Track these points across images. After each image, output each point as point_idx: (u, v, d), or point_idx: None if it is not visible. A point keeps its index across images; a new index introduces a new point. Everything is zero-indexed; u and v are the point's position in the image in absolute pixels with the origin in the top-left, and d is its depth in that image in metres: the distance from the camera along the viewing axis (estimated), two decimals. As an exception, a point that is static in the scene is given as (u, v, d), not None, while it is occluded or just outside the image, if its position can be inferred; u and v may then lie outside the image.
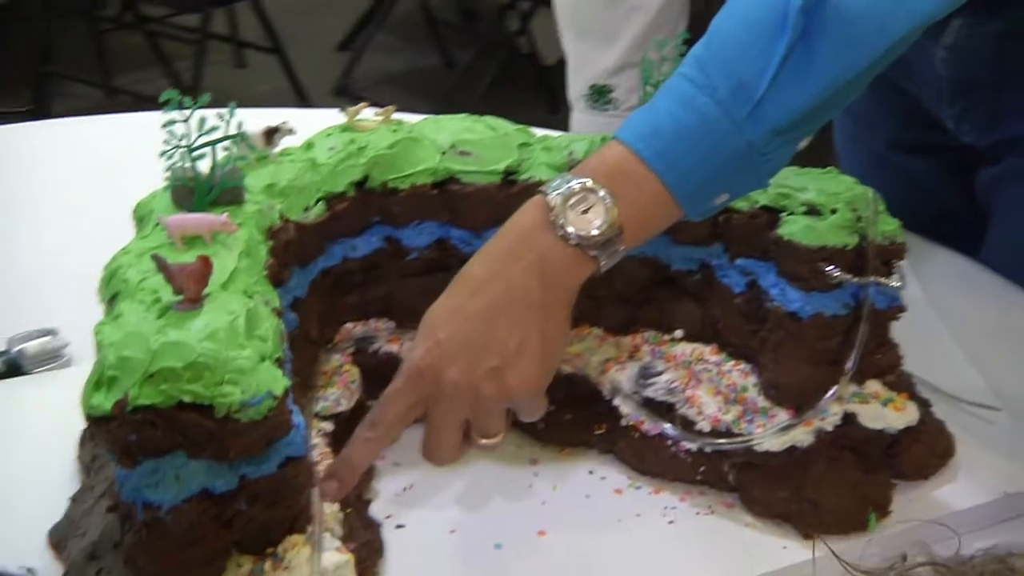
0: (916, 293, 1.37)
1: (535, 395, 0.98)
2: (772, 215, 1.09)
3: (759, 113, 0.94)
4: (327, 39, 4.36)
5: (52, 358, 1.23)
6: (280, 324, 0.93)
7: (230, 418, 0.85)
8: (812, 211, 1.08)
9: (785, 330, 1.08)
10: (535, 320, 0.96)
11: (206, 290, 0.90)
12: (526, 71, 3.85)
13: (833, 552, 0.88)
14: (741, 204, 1.10)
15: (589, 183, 0.95)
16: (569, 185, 0.95)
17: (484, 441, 0.99)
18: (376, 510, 1.08)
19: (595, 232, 0.95)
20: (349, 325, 1.16)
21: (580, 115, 1.56)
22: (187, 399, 0.84)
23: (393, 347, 1.16)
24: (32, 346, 1.23)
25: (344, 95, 3.85)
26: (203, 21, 3.61)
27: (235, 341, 0.87)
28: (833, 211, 1.07)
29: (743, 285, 1.11)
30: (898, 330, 1.13)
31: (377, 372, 1.15)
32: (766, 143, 0.95)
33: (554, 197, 0.96)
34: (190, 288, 0.89)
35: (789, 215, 1.08)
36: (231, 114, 0.98)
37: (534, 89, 3.77)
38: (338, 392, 1.10)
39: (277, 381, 0.87)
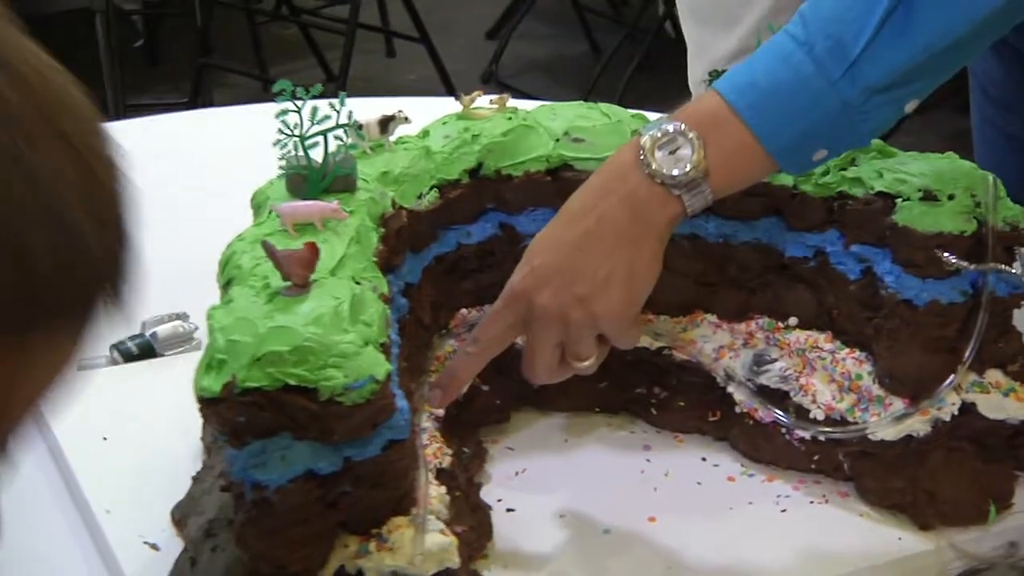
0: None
1: (622, 324, 1.02)
2: (888, 201, 1.07)
3: (855, 72, 0.96)
4: (476, 28, 4.39)
5: (183, 341, 1.26)
6: (386, 310, 0.95)
7: (333, 401, 0.87)
8: (928, 196, 1.06)
9: (900, 318, 1.06)
10: (624, 252, 1.00)
11: (313, 276, 0.92)
12: (671, 57, 3.83)
13: (953, 544, 0.87)
14: (856, 190, 1.09)
15: (681, 127, 0.99)
16: (662, 127, 0.99)
17: (577, 364, 1.03)
18: (487, 493, 1.10)
19: (678, 172, 0.98)
20: (464, 311, 1.18)
21: (699, 100, 1.55)
22: (292, 382, 0.87)
23: (508, 332, 1.17)
24: (164, 329, 1.27)
25: (490, 83, 3.88)
26: (353, 12, 3.67)
27: (339, 326, 0.89)
28: (950, 197, 1.05)
29: (858, 272, 1.10)
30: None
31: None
32: (863, 102, 0.97)
33: (646, 138, 0.99)
34: (297, 274, 0.91)
35: (905, 201, 1.06)
36: (342, 103, 1.00)
37: (680, 74, 3.74)
38: (450, 377, 1.11)
39: (380, 366, 0.88)
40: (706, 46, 1.51)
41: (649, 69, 3.75)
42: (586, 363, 1.03)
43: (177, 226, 1.41)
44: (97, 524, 1.06)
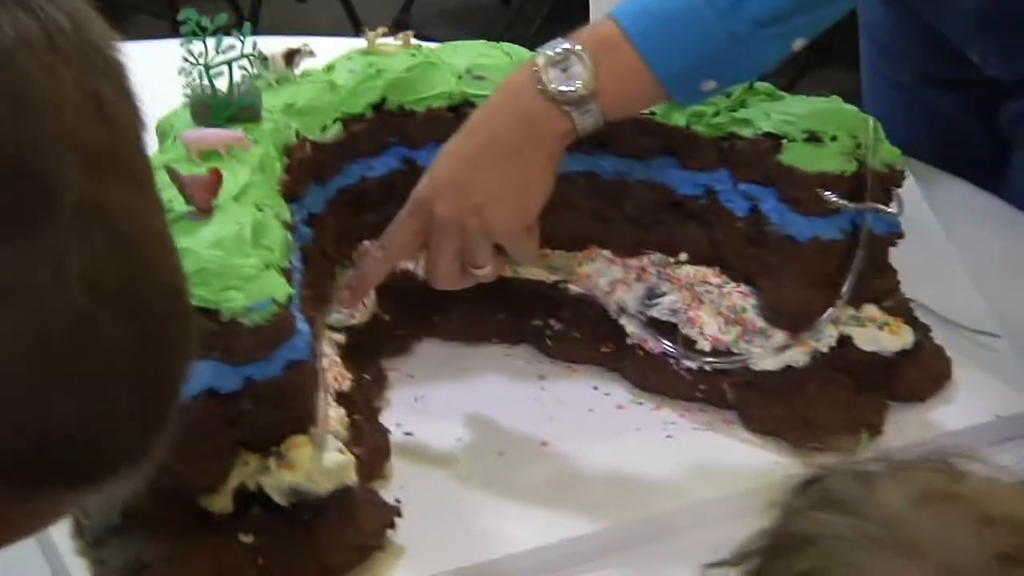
0: (930, 223, 1.39)
1: (514, 233, 1.07)
2: (775, 141, 1.11)
3: (742, 4, 1.01)
4: (388, -25, 4.39)
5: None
6: (288, 236, 0.98)
7: (235, 322, 0.90)
8: (813, 138, 1.10)
9: (784, 253, 1.11)
10: (515, 165, 1.05)
11: (216, 201, 0.95)
12: (580, 9, 3.86)
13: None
14: (745, 131, 1.13)
15: (574, 47, 1.04)
16: (557, 47, 1.04)
17: (475, 271, 1.09)
18: (386, 418, 1.13)
19: (568, 89, 1.03)
20: (367, 243, 1.20)
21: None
22: (194, 303, 0.89)
23: (409, 265, 1.20)
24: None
25: (400, 30, 3.88)
26: (264, -46, 3.66)
27: (241, 250, 0.92)
28: (833, 138, 1.10)
29: (746, 210, 1.14)
30: (906, 257, 1.16)
31: (392, 288, 1.20)
32: (749, 34, 1.02)
33: (541, 57, 1.04)
34: (200, 198, 0.93)
35: (791, 141, 1.11)
36: (246, 34, 1.02)
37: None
38: (351, 306, 1.14)
39: (280, 288, 0.92)
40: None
41: (558, 19, 3.77)
42: (483, 271, 1.09)
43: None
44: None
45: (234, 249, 0.91)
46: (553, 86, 1.03)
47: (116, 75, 0.54)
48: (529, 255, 1.12)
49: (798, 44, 1.06)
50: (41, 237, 0.48)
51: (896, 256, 1.16)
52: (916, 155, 1.43)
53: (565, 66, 1.03)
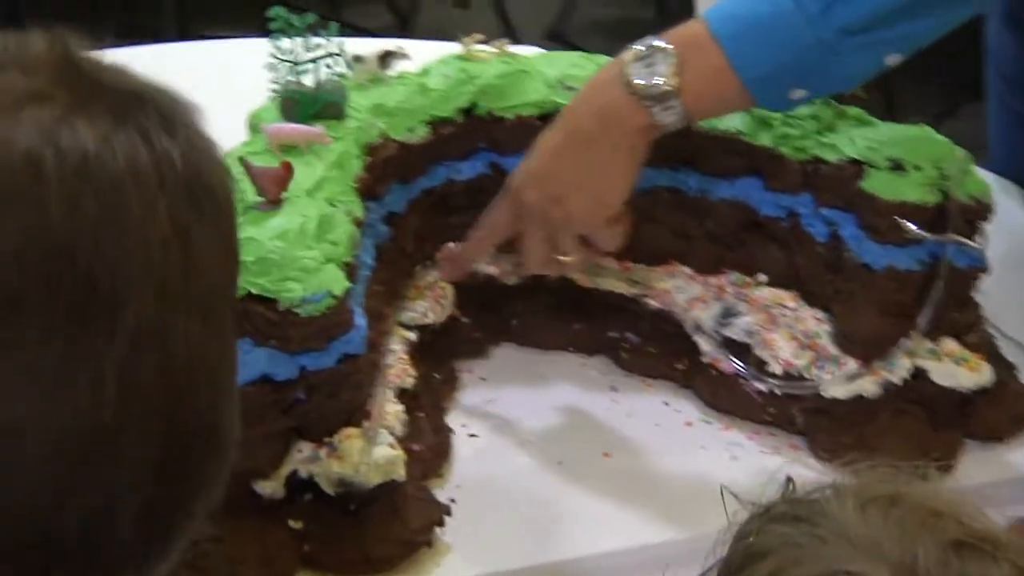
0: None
1: (595, 224, 1.10)
2: (859, 167, 1.10)
3: (832, 10, 1.00)
4: (549, -16, 4.42)
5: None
6: (356, 232, 1.00)
7: (291, 312, 0.92)
8: (896, 166, 1.09)
9: (859, 280, 1.09)
10: (594, 157, 1.07)
11: (287, 194, 0.97)
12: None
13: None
14: (830, 155, 1.12)
15: (661, 44, 1.04)
16: (645, 43, 1.05)
17: (562, 259, 1.11)
18: (454, 419, 1.15)
19: (649, 83, 1.03)
20: (451, 244, 1.22)
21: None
22: (255, 291, 0.92)
23: (492, 269, 1.22)
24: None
25: (556, 40, 3.90)
26: (424, -41, 3.72)
27: (303, 242, 0.94)
28: (917, 167, 1.08)
29: (826, 235, 1.13)
30: (1005, 293, 1.14)
31: (473, 291, 1.21)
32: (838, 42, 1.00)
33: (629, 53, 1.05)
34: (270, 190, 0.96)
35: (874, 169, 1.09)
36: (333, 33, 1.05)
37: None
38: (427, 305, 1.16)
39: (338, 282, 0.94)
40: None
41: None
42: (569, 259, 1.11)
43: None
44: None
45: (297, 241, 0.94)
46: (636, 80, 1.04)
47: (214, 215, 0.58)
48: (615, 244, 1.13)
49: (892, 60, 1.04)
50: (90, 342, 0.52)
51: (996, 288, 1.13)
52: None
53: (650, 62, 1.04)
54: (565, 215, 1.08)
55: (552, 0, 4.22)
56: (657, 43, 1.04)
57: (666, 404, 1.19)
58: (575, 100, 1.10)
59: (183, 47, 1.88)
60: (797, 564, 0.61)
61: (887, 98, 3.20)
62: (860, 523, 0.61)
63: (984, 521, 0.62)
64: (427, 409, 1.11)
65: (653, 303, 1.21)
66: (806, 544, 0.62)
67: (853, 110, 1.15)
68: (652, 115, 1.04)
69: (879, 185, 1.08)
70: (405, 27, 3.64)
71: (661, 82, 1.03)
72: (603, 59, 1.23)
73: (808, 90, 1.05)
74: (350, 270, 0.97)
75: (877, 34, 1.02)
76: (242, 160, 0.97)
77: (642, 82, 1.03)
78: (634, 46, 1.05)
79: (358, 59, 1.15)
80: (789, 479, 0.67)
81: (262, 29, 1.09)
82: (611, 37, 4.09)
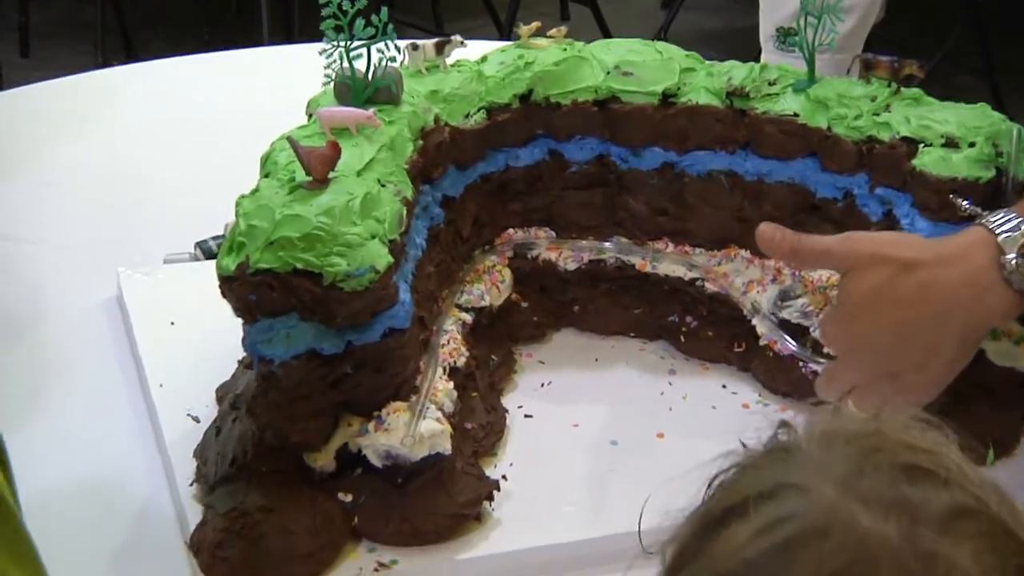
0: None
1: (921, 402, 1.00)
2: (912, 146, 1.10)
3: None
4: (654, -3, 4.43)
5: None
6: (403, 211, 1.02)
7: (335, 286, 0.94)
8: (950, 143, 1.08)
9: (912, 259, 1.08)
10: (950, 343, 1.00)
11: (334, 174, 1.00)
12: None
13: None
14: (884, 134, 1.11)
15: None
16: (1022, 231, 0.98)
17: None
18: (510, 400, 1.16)
19: None
20: (511, 231, 1.24)
21: (767, 55, 1.58)
22: (300, 266, 0.95)
23: (551, 255, 1.23)
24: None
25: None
26: (527, -28, 3.75)
27: (349, 219, 0.96)
28: (971, 144, 1.07)
29: (880, 214, 1.12)
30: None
31: (532, 275, 1.23)
32: None
33: (1006, 240, 0.98)
34: (317, 169, 0.99)
35: (927, 146, 1.08)
36: (383, 19, 1.07)
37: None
38: (483, 288, 1.18)
39: (382, 257, 0.96)
40: (775, 4, 1.54)
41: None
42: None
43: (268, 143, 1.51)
44: (151, 396, 1.16)
45: (342, 218, 0.96)
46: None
47: None
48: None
49: None
50: None
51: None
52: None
53: None
54: (897, 388, 1.00)
55: (658, 14, 4.24)
56: None
57: (724, 387, 1.19)
58: (939, 269, 0.99)
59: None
60: (750, 482, 0.63)
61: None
62: (819, 450, 0.63)
63: (952, 455, 0.62)
64: (482, 389, 1.12)
65: (711, 287, 1.21)
66: (765, 466, 0.64)
67: (911, 90, 1.14)
68: None
69: (931, 162, 1.07)
70: (505, 39, 3.67)
71: None
72: (660, 45, 1.24)
73: None
74: (395, 247, 0.99)
75: None
76: (289, 139, 1.00)
77: None
78: (1005, 229, 0.98)
79: (415, 47, 1.17)
80: (783, 422, 0.67)
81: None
82: (714, 47, 4.09)
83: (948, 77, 3.50)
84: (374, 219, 0.98)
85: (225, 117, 1.66)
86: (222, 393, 1.13)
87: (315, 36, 1.14)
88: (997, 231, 0.99)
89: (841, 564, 0.57)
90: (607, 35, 3.91)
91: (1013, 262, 0.97)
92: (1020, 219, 0.98)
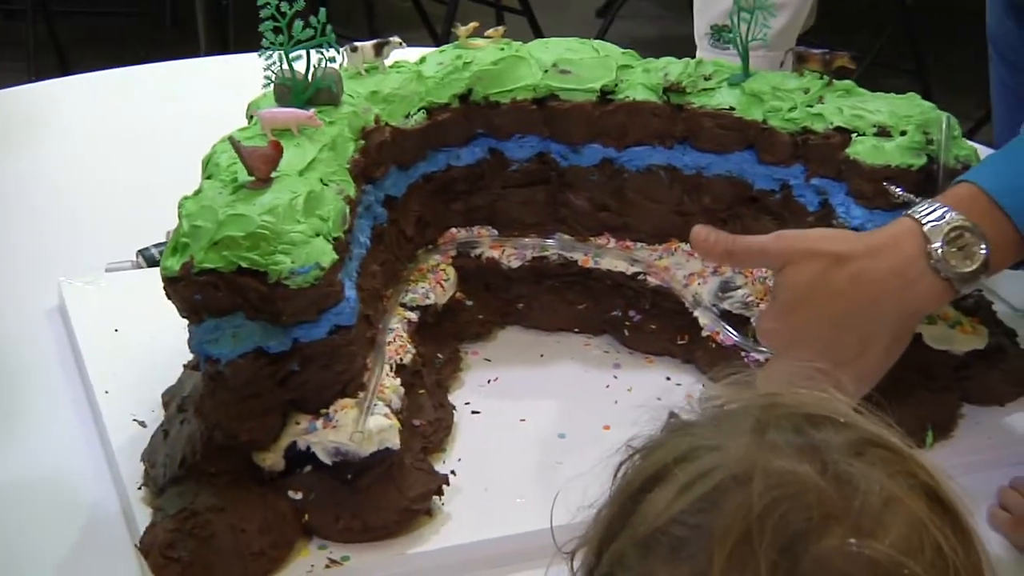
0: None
1: (857, 395, 1.01)
2: (846, 136, 1.12)
3: None
4: (589, 5, 4.45)
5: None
6: (346, 209, 1.03)
7: (281, 284, 0.95)
8: (882, 132, 1.10)
9: (849, 247, 1.10)
10: (882, 333, 1.01)
11: (277, 173, 1.00)
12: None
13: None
14: (818, 125, 1.13)
15: (967, 223, 0.99)
16: (945, 221, 0.99)
17: None
18: (457, 397, 1.17)
19: (968, 270, 0.99)
20: (454, 230, 1.25)
21: (702, 53, 1.60)
22: (245, 265, 0.95)
23: (494, 253, 1.24)
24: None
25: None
26: (460, -18, 3.77)
27: (292, 217, 0.97)
28: (902, 133, 1.09)
29: (817, 204, 1.14)
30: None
31: (476, 274, 1.24)
32: None
33: (932, 229, 0.99)
34: (259, 169, 0.99)
35: (860, 135, 1.11)
36: (321, 20, 1.08)
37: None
38: (428, 287, 1.18)
39: (326, 254, 0.96)
40: (709, 1, 1.56)
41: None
42: None
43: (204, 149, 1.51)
44: (96, 402, 1.15)
45: (286, 216, 0.97)
46: (953, 267, 0.98)
47: None
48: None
49: None
50: None
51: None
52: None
53: (962, 243, 0.99)
54: (833, 384, 1.01)
55: (594, 22, 4.26)
56: (960, 220, 0.99)
57: (668, 379, 1.21)
58: (869, 260, 1.00)
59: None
60: (664, 452, 0.66)
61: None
62: (721, 416, 0.68)
63: (840, 404, 0.67)
64: (429, 387, 1.13)
65: (653, 280, 1.22)
66: (671, 440, 0.68)
67: (843, 82, 1.17)
68: (957, 292, 1.00)
69: (865, 151, 1.09)
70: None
71: (978, 266, 0.99)
72: (597, 43, 1.26)
73: None
74: (339, 245, 0.99)
75: None
76: (231, 140, 1.00)
77: (960, 269, 0.98)
78: (929, 219, 0.99)
79: (354, 48, 1.18)
80: (672, 413, 0.72)
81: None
82: (651, 54, 4.12)
83: (879, 80, 3.55)
84: (318, 217, 0.99)
85: (163, 126, 1.65)
86: (168, 397, 1.13)
87: (252, 47, 1.14)
88: (923, 221, 1.00)
89: (766, 504, 0.60)
90: (543, 44, 3.94)
91: (939, 251, 0.99)
92: (945, 208, 1.00)
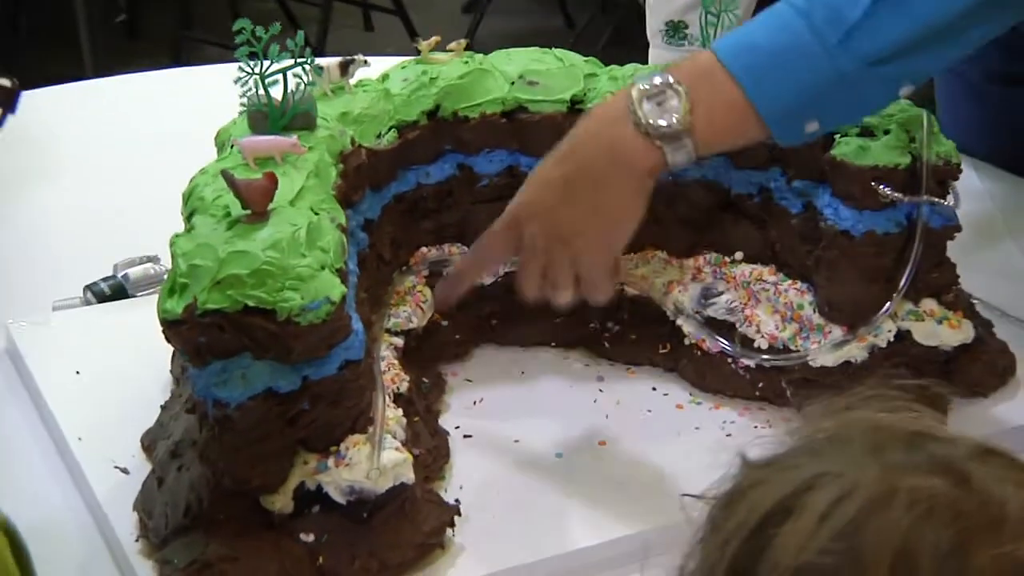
0: (994, 220, 1.39)
1: (598, 270, 1.06)
2: (827, 137, 1.11)
3: (851, 41, 0.98)
4: (454, 2, 4.43)
5: (154, 283, 1.30)
6: (343, 238, 0.99)
7: (291, 321, 0.91)
8: (865, 132, 1.10)
9: (838, 248, 1.11)
10: (604, 199, 1.03)
11: (272, 205, 0.96)
12: (643, 29, 3.87)
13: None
14: (797, 127, 1.13)
15: (670, 80, 1.01)
16: (653, 79, 1.01)
17: (553, 291, 1.07)
18: (446, 421, 1.14)
19: (662, 123, 1.00)
20: (424, 249, 1.22)
21: (656, 51, 1.59)
22: (251, 303, 0.91)
23: (466, 271, 1.21)
24: (136, 271, 1.30)
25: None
26: (330, -15, 3.72)
27: (296, 251, 0.93)
28: (886, 132, 1.10)
29: (800, 206, 1.14)
30: (968, 255, 1.16)
31: (451, 294, 1.21)
32: (858, 73, 0.98)
33: (636, 89, 1.01)
34: (256, 202, 0.95)
35: (843, 136, 1.11)
36: (298, 43, 1.04)
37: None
38: (410, 310, 1.15)
39: (335, 288, 0.93)
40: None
41: (622, 43, 3.79)
42: (561, 294, 1.07)
43: (149, 174, 1.45)
44: (70, 451, 1.10)
45: (290, 250, 0.93)
46: (648, 120, 1.00)
47: None
48: (605, 296, 1.08)
49: (905, 91, 1.03)
50: None
51: (958, 253, 1.15)
52: (986, 154, 1.42)
53: (661, 100, 1.00)
54: (571, 257, 1.04)
55: (461, 18, 4.24)
56: (666, 79, 1.00)
57: (654, 389, 1.19)
58: (581, 132, 1.05)
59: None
60: (776, 486, 0.64)
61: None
62: (824, 445, 0.66)
63: (928, 420, 0.68)
64: (421, 413, 1.10)
65: (631, 290, 1.21)
66: (774, 476, 0.65)
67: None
68: (663, 154, 1.01)
69: (851, 152, 1.09)
70: (316, 52, 3.63)
71: (674, 121, 1.00)
72: (559, 52, 1.24)
73: (822, 123, 1.03)
74: (343, 276, 0.96)
75: (899, 64, 1.00)
76: (224, 173, 0.96)
77: (654, 122, 1.00)
78: (641, 82, 1.01)
79: (318, 69, 1.14)
80: (740, 453, 0.71)
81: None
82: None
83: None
84: (320, 249, 0.95)
85: (100, 152, 1.58)
86: (149, 441, 1.09)
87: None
88: (637, 83, 1.02)
89: (911, 522, 0.60)
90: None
91: (639, 106, 1.00)
92: (661, 75, 1.01)
